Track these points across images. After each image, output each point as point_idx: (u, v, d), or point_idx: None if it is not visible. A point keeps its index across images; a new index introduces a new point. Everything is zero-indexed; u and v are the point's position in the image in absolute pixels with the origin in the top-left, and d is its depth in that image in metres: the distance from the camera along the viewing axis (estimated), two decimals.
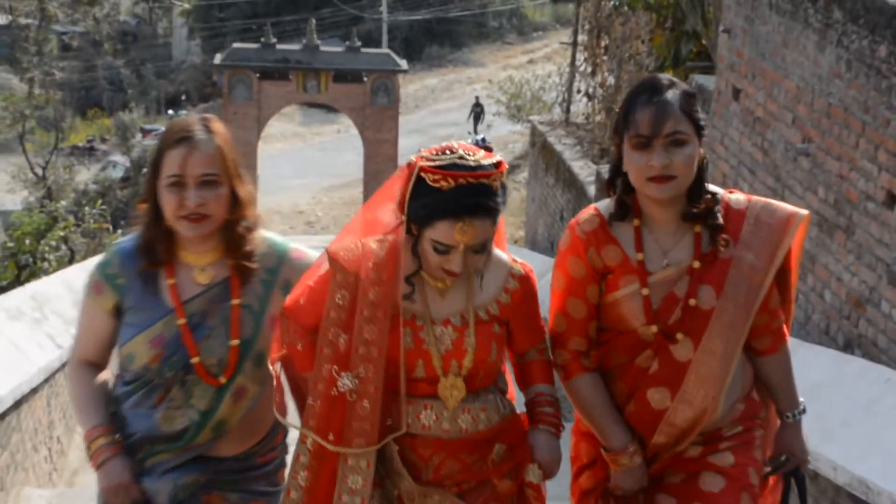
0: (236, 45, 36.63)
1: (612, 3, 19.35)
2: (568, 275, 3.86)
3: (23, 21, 25.10)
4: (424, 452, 3.69)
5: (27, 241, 20.38)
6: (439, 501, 3.67)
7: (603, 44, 20.28)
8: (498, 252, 3.80)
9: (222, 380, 3.87)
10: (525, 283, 3.80)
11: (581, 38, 22.93)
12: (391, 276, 3.63)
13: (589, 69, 21.31)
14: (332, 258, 3.68)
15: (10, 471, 6.76)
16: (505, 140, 38.41)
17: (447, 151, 3.57)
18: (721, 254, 3.75)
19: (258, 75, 34.06)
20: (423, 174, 3.54)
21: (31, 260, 19.66)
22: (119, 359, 3.97)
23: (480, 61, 55.23)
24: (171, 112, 41.26)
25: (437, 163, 3.53)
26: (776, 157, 8.68)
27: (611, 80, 19.66)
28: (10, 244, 21.18)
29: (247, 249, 3.95)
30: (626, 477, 3.86)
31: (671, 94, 3.66)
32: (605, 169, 14.98)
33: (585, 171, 16.89)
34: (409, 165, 3.61)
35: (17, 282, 18.34)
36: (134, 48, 50.95)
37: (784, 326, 3.95)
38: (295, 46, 35.31)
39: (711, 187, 3.83)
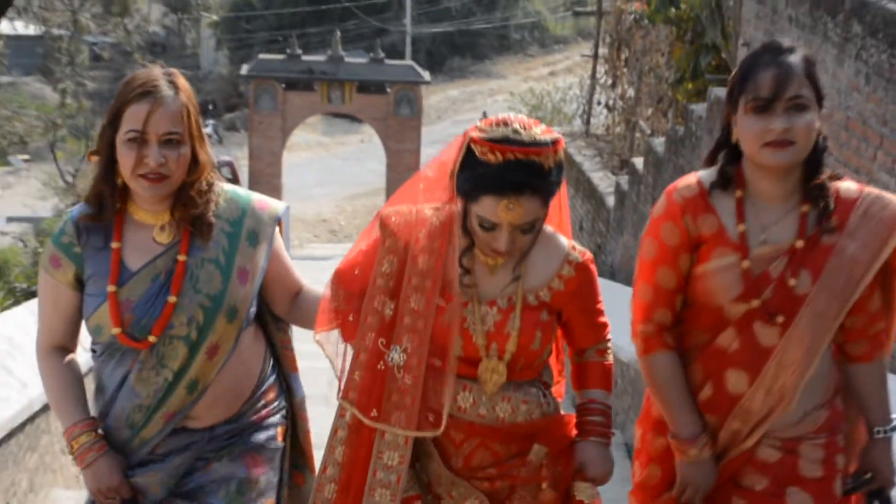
0: (262, 56, 36.66)
1: (632, 16, 19.34)
2: (661, 242, 3.63)
3: (56, 32, 25.20)
4: (457, 436, 3.52)
5: None
6: (464, 494, 3.53)
7: (623, 56, 20.28)
8: (557, 236, 3.63)
9: (151, 339, 3.64)
10: (582, 272, 3.59)
11: (602, 50, 22.94)
12: (444, 247, 3.46)
13: (609, 81, 21.32)
14: (383, 222, 3.54)
15: (39, 472, 6.77)
16: None
17: (502, 124, 3.35)
18: (824, 239, 3.50)
19: (283, 86, 34.08)
20: (472, 145, 3.35)
21: None
22: (88, 331, 3.79)
23: (502, 73, 55.21)
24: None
25: (489, 135, 3.33)
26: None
27: (630, 92, 19.64)
28: (41, 250, 21.25)
29: (200, 209, 3.70)
30: (693, 470, 3.61)
31: (794, 58, 3.45)
32: (624, 180, 14.99)
33: (605, 182, 16.87)
34: (464, 135, 3.42)
35: None
36: (163, 58, 50.72)
37: (883, 334, 3.66)
38: (320, 58, 35.31)
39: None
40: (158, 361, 3.67)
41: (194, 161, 3.67)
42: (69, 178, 29.30)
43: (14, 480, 6.28)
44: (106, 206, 3.68)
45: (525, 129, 3.32)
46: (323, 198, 39.80)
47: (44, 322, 3.83)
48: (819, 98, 3.48)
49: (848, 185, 3.59)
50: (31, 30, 26.40)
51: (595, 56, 23.74)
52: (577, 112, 26.94)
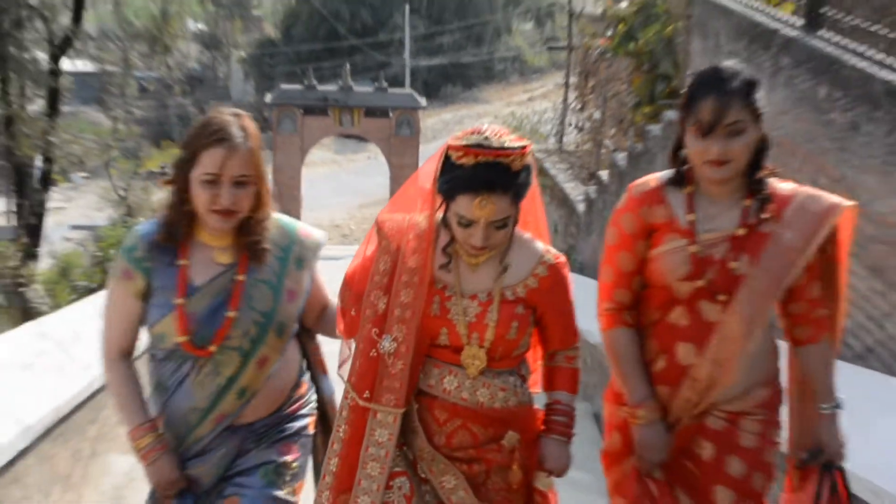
0: (283, 86, 36.64)
1: (597, 50, 19.35)
2: (621, 230, 3.63)
3: (109, 69, 25.15)
4: (441, 416, 3.47)
5: (112, 251, 20.45)
6: (443, 470, 3.46)
7: (590, 84, 20.29)
8: (534, 240, 3.57)
9: (211, 349, 3.59)
10: (554, 272, 3.51)
11: (572, 79, 22.98)
12: (429, 246, 3.41)
13: (579, 106, 21.34)
14: (379, 227, 3.51)
15: (99, 440, 6.80)
16: None
17: (476, 133, 3.33)
18: (763, 228, 3.48)
19: (302, 111, 34.09)
20: (449, 151, 3.32)
21: None
22: (150, 338, 3.71)
23: (488, 99, 55.12)
24: None
25: (463, 142, 3.30)
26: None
27: (597, 114, 19.64)
28: (99, 253, 21.26)
29: (259, 237, 3.66)
30: (646, 433, 3.58)
31: (735, 84, 3.38)
32: (592, 190, 15.00)
33: (576, 191, 16.91)
34: (444, 146, 3.39)
35: (103, 284, 18.39)
36: (199, 90, 50.96)
37: (826, 319, 3.60)
38: (332, 87, 35.28)
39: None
40: (214, 369, 3.63)
41: (258, 196, 3.63)
42: (121, 193, 29.26)
43: (79, 447, 6.31)
44: (178, 232, 3.62)
45: (495, 136, 3.29)
46: (336, 206, 39.78)
47: (111, 329, 3.72)
48: (757, 116, 3.43)
49: (786, 185, 3.58)
50: (89, 67, 26.32)
51: (566, 84, 23.80)
52: (551, 132, 26.98)
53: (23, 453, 5.14)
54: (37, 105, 22.92)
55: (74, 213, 38.43)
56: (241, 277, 3.65)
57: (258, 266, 3.68)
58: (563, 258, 3.57)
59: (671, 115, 11.08)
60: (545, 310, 3.52)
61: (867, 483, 4.81)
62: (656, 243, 3.58)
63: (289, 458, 3.77)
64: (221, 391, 3.64)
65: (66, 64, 23.49)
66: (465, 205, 3.29)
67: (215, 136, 3.51)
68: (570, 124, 22.48)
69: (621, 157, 13.56)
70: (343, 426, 3.50)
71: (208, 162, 3.49)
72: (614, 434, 3.77)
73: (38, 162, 23.18)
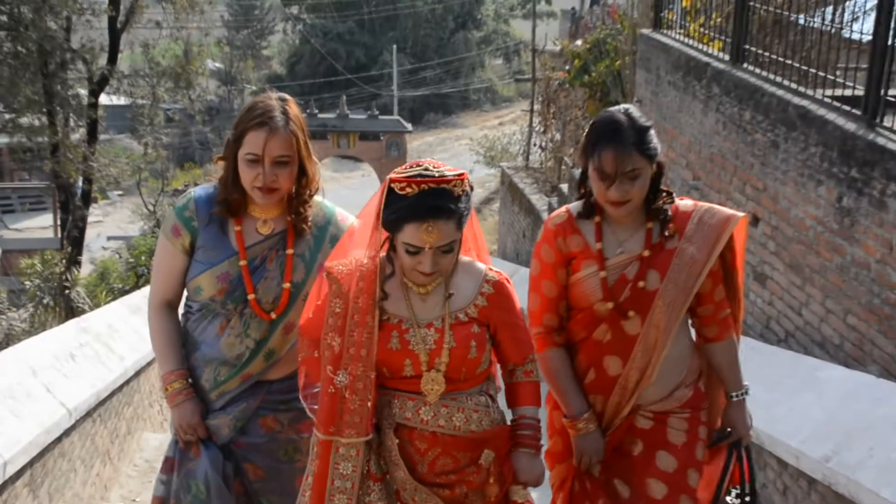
0: None
1: (557, 82, 19.38)
2: (542, 260, 3.50)
3: (139, 102, 25.14)
4: (421, 446, 3.13)
5: (143, 258, 20.42)
6: (425, 499, 3.12)
7: (552, 111, 20.29)
8: (475, 262, 3.28)
9: (273, 315, 3.46)
10: (500, 288, 3.21)
11: (536, 106, 22.97)
12: (372, 283, 3.10)
13: (542, 129, 21.32)
14: (328, 273, 3.17)
15: (133, 420, 6.79)
16: (483, 180, 38.28)
17: (415, 166, 3.03)
18: (667, 245, 3.38)
19: None
20: (392, 185, 3.00)
21: (145, 270, 19.69)
22: (187, 290, 3.58)
23: (464, 124, 55.12)
24: None
25: (405, 174, 2.99)
26: (675, 191, 8.71)
27: (558, 136, 19.67)
28: (131, 260, 21.26)
29: (304, 213, 3.53)
30: (584, 442, 3.46)
31: (629, 136, 3.24)
32: (554, 200, 15.02)
33: (541, 202, 16.92)
34: (384, 182, 3.07)
35: (136, 286, 18.38)
36: (217, 118, 50.79)
37: (730, 318, 3.53)
38: (331, 115, 35.34)
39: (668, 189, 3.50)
40: (244, 330, 3.47)
41: (303, 173, 3.48)
42: (150, 208, 29.24)
43: (116, 426, 6.30)
44: (231, 204, 3.47)
45: (434, 167, 3.02)
46: None
47: (158, 280, 3.60)
48: (652, 157, 3.31)
49: (686, 202, 3.48)
50: (123, 101, 26.29)
51: (531, 111, 23.83)
52: (519, 151, 27.04)
53: (68, 432, 5.14)
54: (78, 134, 22.92)
55: (111, 225, 38.34)
56: (290, 251, 3.51)
57: (296, 241, 3.53)
58: (504, 275, 3.28)
59: None
60: (497, 326, 3.22)
61: (787, 447, 4.85)
62: (575, 269, 3.46)
63: (306, 434, 3.51)
64: (252, 354, 3.49)
65: (103, 98, 23.49)
66: (412, 232, 2.98)
67: (259, 118, 3.38)
68: (535, 145, 22.48)
69: (578, 172, 13.57)
70: (315, 460, 3.16)
71: (251, 142, 3.36)
72: (556, 438, 3.67)
73: (80, 183, 23.16)
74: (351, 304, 3.09)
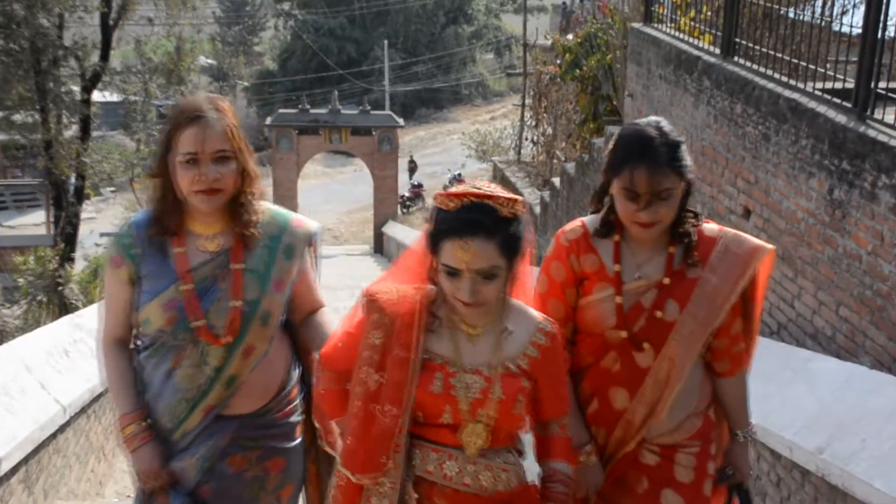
0: (281, 110, 36.56)
1: (548, 76, 19.38)
2: (550, 278, 3.19)
3: (132, 98, 25.05)
4: (440, 503, 2.79)
5: None
6: None
7: (543, 105, 20.32)
8: (528, 308, 2.93)
9: (227, 339, 3.11)
10: (553, 340, 2.87)
11: (528, 101, 23.01)
12: (421, 321, 2.78)
13: (533, 123, 21.36)
14: (371, 299, 2.82)
15: None
16: (475, 174, 38.31)
17: (464, 182, 2.75)
18: (689, 273, 3.07)
19: (297, 132, 34.00)
20: (435, 200, 2.75)
21: None
22: (136, 324, 3.22)
23: (456, 118, 55.11)
24: None
25: (451, 189, 2.73)
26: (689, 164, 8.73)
27: (549, 130, 19.69)
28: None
29: (250, 219, 3.17)
30: (584, 473, 3.12)
31: (663, 153, 2.92)
32: (546, 194, 15.03)
33: (533, 196, 16.94)
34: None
35: None
36: None
37: (743, 353, 3.24)
38: (323, 110, 35.19)
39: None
40: (201, 359, 3.14)
41: (244, 174, 3.15)
42: (143, 204, 29.27)
43: (110, 423, 6.27)
44: (169, 223, 3.15)
45: (486, 186, 2.73)
46: (327, 212, 39.66)
47: (107, 315, 3.27)
48: (683, 175, 2.98)
49: (710, 227, 3.17)
50: (115, 97, 26.24)
51: (523, 105, 23.87)
52: (511, 146, 27.06)
53: (63, 428, 5.12)
54: (71, 130, 22.83)
55: (104, 222, 38.22)
56: (237, 266, 3.17)
57: (247, 255, 3.19)
58: (556, 324, 2.95)
59: (612, 129, 11.11)
60: (543, 381, 2.87)
61: (780, 438, 4.86)
62: (587, 292, 3.15)
63: (274, 472, 3.28)
64: (210, 383, 3.15)
65: (95, 95, 23.41)
66: (449, 251, 2.67)
67: (188, 114, 3.06)
68: (527, 139, 22.52)
69: (570, 166, 13.61)
70: (337, 496, 2.87)
71: (186, 141, 3.03)
72: None
73: (73, 179, 23.09)
74: (394, 338, 2.77)
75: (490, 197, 2.67)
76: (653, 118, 3.10)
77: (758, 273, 3.14)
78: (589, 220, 3.22)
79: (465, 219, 2.65)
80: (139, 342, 3.26)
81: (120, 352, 3.27)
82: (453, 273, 2.68)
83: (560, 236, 3.21)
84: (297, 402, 3.37)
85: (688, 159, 3.01)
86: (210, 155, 3.04)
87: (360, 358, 2.79)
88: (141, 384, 3.22)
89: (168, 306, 3.12)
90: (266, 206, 3.30)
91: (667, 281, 3.07)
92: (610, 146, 3.06)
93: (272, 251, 3.24)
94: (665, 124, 3.04)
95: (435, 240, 2.71)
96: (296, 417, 3.36)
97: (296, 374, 3.41)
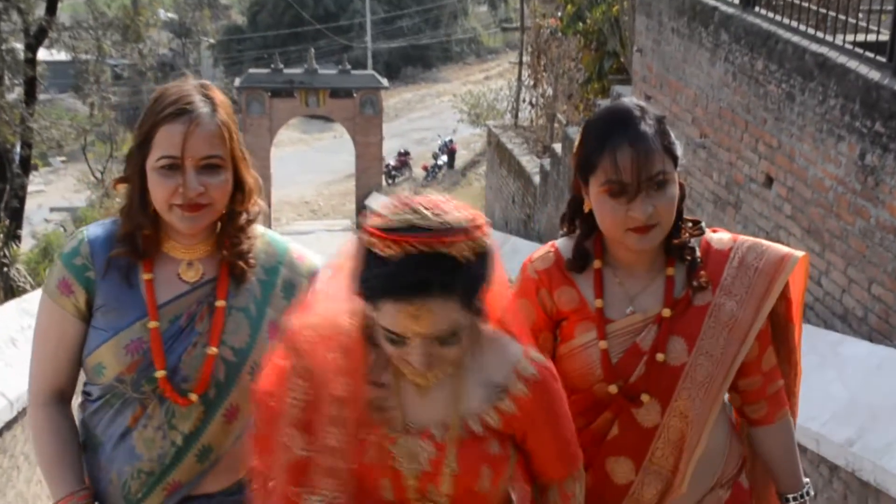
0: (251, 70, 36.58)
1: (548, 30, 19.34)
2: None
3: (83, 57, 24.94)
4: None
5: None
6: None
7: (542, 63, 20.26)
8: (506, 340, 2.32)
9: (192, 398, 2.59)
10: (539, 389, 2.28)
11: (525, 58, 22.93)
12: (361, 363, 2.23)
13: (532, 83, 21.30)
14: (290, 338, 2.26)
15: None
16: (467, 140, 38.34)
17: (406, 207, 2.10)
18: (696, 300, 2.58)
19: (269, 94, 34.03)
20: (367, 235, 2.11)
21: None
22: (84, 370, 2.68)
23: (446, 78, 55.01)
24: None
25: (386, 223, 2.08)
26: (679, 149, 8.74)
27: (549, 91, 19.65)
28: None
29: (241, 246, 2.68)
30: None
31: (647, 126, 2.46)
32: (546, 162, 15.04)
33: (531, 164, 16.96)
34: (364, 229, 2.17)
35: None
36: (171, 76, 50.59)
37: (783, 392, 2.73)
38: (298, 70, 35.20)
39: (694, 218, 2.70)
40: (168, 421, 2.61)
41: (239, 187, 2.68)
42: (98, 175, 29.15)
43: None
44: (139, 243, 2.63)
45: (432, 209, 2.09)
46: (304, 183, 39.67)
47: (44, 361, 2.68)
48: (677, 161, 2.54)
49: (721, 237, 2.69)
50: (64, 56, 26.16)
51: (520, 63, 23.78)
52: (507, 108, 27.08)
53: (9, 425, 5.12)
54: (15, 93, 22.76)
55: (54, 196, 38.25)
56: (221, 303, 2.65)
57: (235, 289, 2.68)
58: (549, 364, 2.37)
59: (620, 89, 11.09)
60: (530, 435, 2.33)
61: (805, 430, 4.87)
62: (567, 336, 2.63)
63: None
64: (177, 453, 2.63)
65: (42, 53, 23.30)
66: (391, 316, 2.09)
67: (172, 107, 2.56)
68: (525, 101, 22.48)
69: (573, 131, 13.59)
70: None
71: (165, 142, 2.53)
72: None
73: (18, 148, 23.03)
74: (323, 390, 2.21)
75: (443, 241, 2.06)
76: (626, 98, 2.73)
77: (788, 286, 2.67)
78: (562, 243, 2.72)
79: (412, 279, 2.05)
80: (87, 392, 2.71)
81: (59, 411, 2.69)
82: (398, 341, 2.13)
83: (527, 266, 2.70)
84: None
85: (678, 145, 2.59)
86: (196, 161, 2.55)
87: (282, 417, 2.24)
88: (91, 445, 2.69)
89: (130, 348, 2.60)
90: (261, 231, 2.82)
91: (667, 312, 2.58)
92: (576, 142, 2.61)
93: (267, 287, 2.75)
94: (642, 101, 2.63)
95: (370, 295, 2.13)
96: None
97: None
